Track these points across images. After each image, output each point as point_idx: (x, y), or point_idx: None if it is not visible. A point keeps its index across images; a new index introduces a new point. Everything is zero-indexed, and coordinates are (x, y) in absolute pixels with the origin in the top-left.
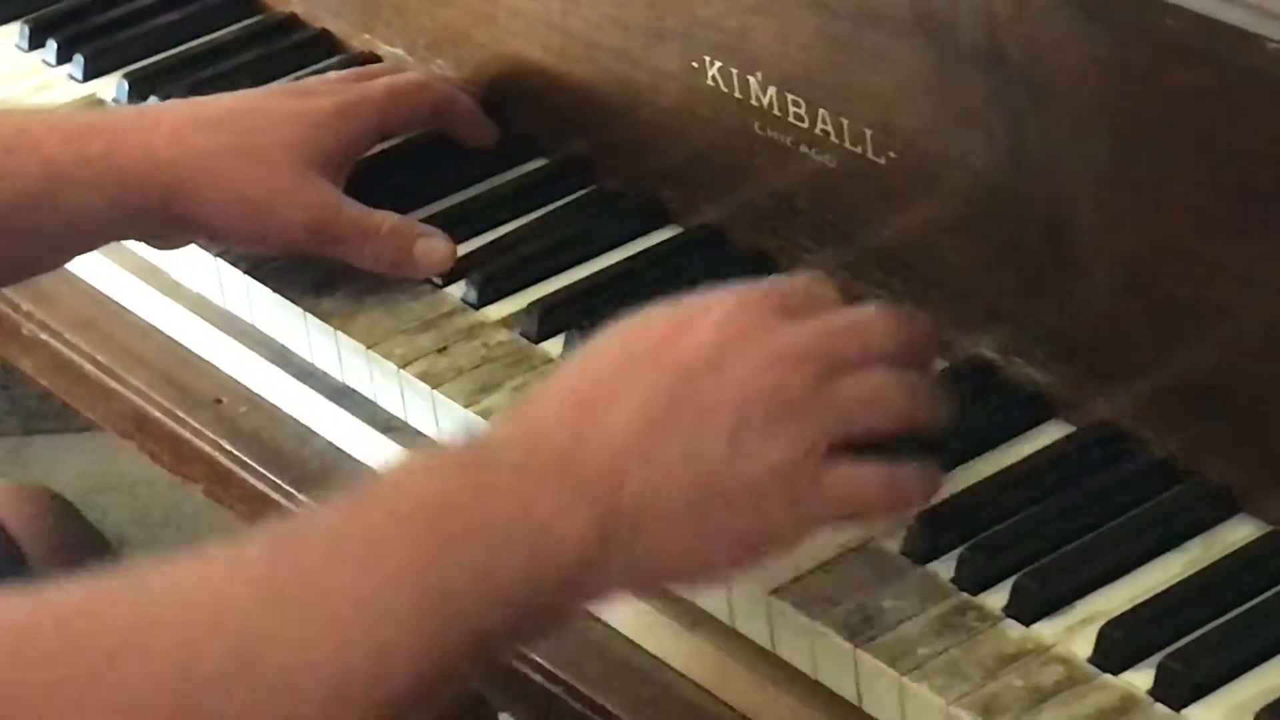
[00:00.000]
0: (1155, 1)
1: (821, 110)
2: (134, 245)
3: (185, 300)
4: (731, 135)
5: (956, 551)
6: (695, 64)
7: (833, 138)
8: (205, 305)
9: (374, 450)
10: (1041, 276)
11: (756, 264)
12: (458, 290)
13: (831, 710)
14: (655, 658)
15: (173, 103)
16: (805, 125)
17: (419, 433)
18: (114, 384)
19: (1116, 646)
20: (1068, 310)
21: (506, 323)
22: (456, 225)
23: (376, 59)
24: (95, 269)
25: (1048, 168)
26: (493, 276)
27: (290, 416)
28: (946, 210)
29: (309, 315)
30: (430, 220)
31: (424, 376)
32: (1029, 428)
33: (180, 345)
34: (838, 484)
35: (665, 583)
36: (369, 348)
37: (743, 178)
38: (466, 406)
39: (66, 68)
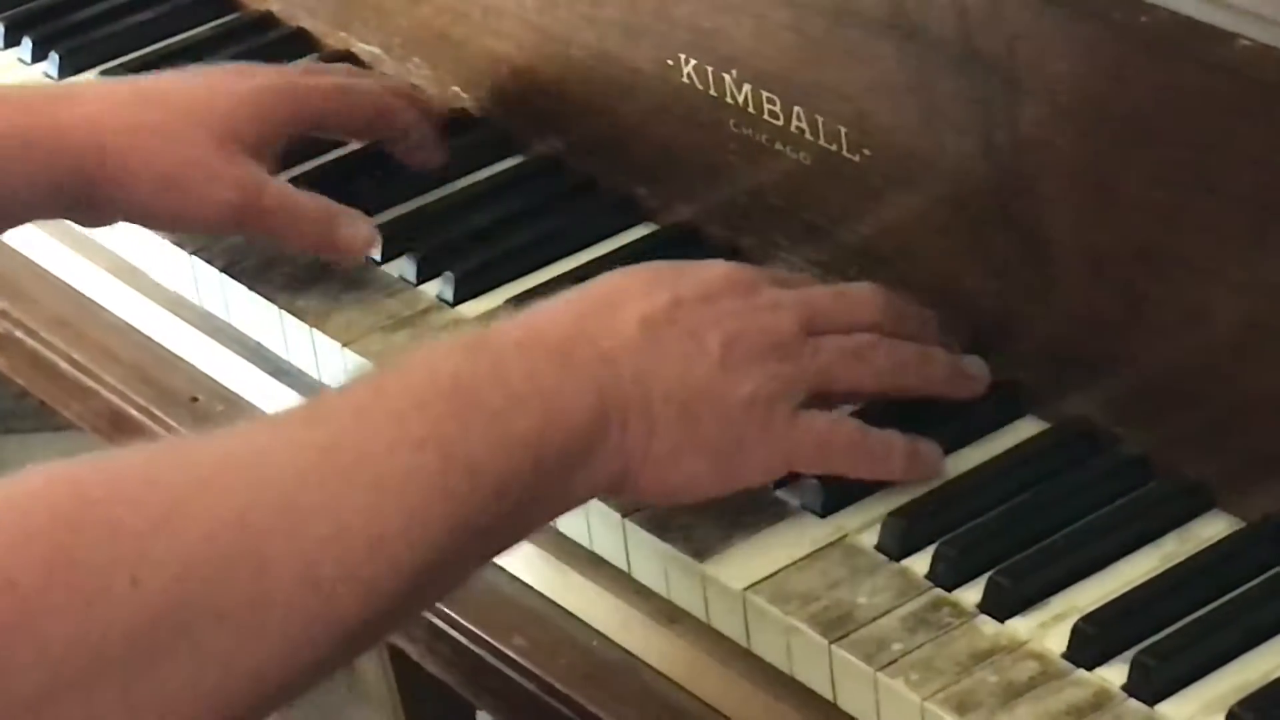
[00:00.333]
0: None
1: (796, 108)
2: (109, 242)
3: (161, 298)
4: (707, 133)
5: (931, 548)
6: (670, 61)
7: (807, 135)
8: (181, 303)
9: None
10: (1015, 273)
11: (730, 260)
12: (433, 288)
13: (806, 706)
14: (631, 654)
15: (98, 80)
16: (780, 123)
17: None
18: (90, 382)
19: (1090, 642)
20: (1042, 306)
21: (482, 320)
22: (432, 222)
23: (352, 57)
24: (71, 267)
25: (1022, 165)
26: (468, 274)
27: (266, 414)
28: (921, 207)
29: (284, 313)
30: (406, 218)
31: None
32: (1003, 424)
33: (156, 343)
34: (813, 429)
35: (652, 485)
36: (345, 345)
37: (718, 175)
38: None
39: (42, 65)
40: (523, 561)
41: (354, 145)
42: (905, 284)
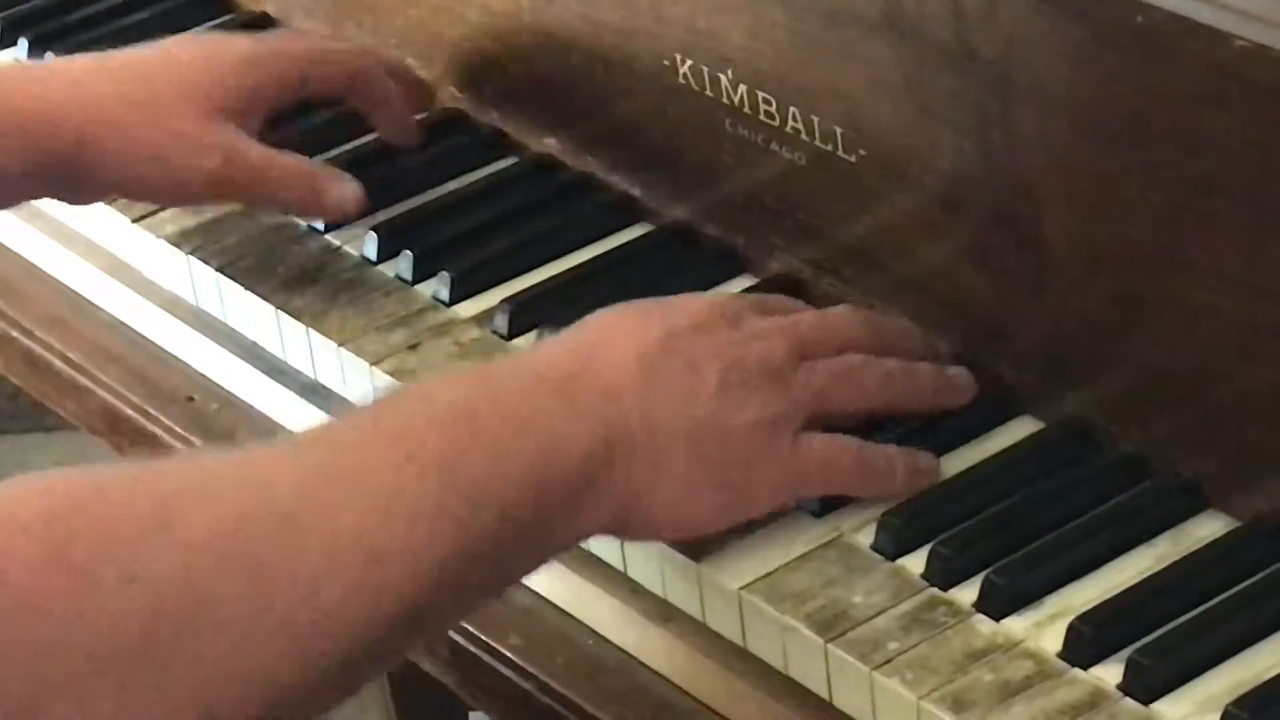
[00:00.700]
0: None
1: (792, 108)
2: (105, 241)
3: (157, 297)
4: (702, 133)
5: (927, 547)
6: (666, 62)
7: (803, 135)
8: (177, 302)
9: None
10: (1010, 273)
11: (727, 261)
12: (429, 287)
13: (802, 705)
14: (626, 653)
15: (76, 56)
16: (776, 123)
17: None
18: (85, 381)
19: (1086, 641)
20: (1037, 306)
21: (478, 320)
22: (429, 222)
23: None
24: (66, 266)
25: (1017, 165)
26: (464, 274)
27: (262, 414)
28: (917, 208)
29: (281, 312)
30: (402, 217)
31: (396, 374)
32: (998, 424)
33: (152, 342)
34: (815, 452)
35: (661, 518)
36: (341, 345)
37: (714, 175)
38: None
39: None
40: None
41: (351, 144)
42: (901, 284)
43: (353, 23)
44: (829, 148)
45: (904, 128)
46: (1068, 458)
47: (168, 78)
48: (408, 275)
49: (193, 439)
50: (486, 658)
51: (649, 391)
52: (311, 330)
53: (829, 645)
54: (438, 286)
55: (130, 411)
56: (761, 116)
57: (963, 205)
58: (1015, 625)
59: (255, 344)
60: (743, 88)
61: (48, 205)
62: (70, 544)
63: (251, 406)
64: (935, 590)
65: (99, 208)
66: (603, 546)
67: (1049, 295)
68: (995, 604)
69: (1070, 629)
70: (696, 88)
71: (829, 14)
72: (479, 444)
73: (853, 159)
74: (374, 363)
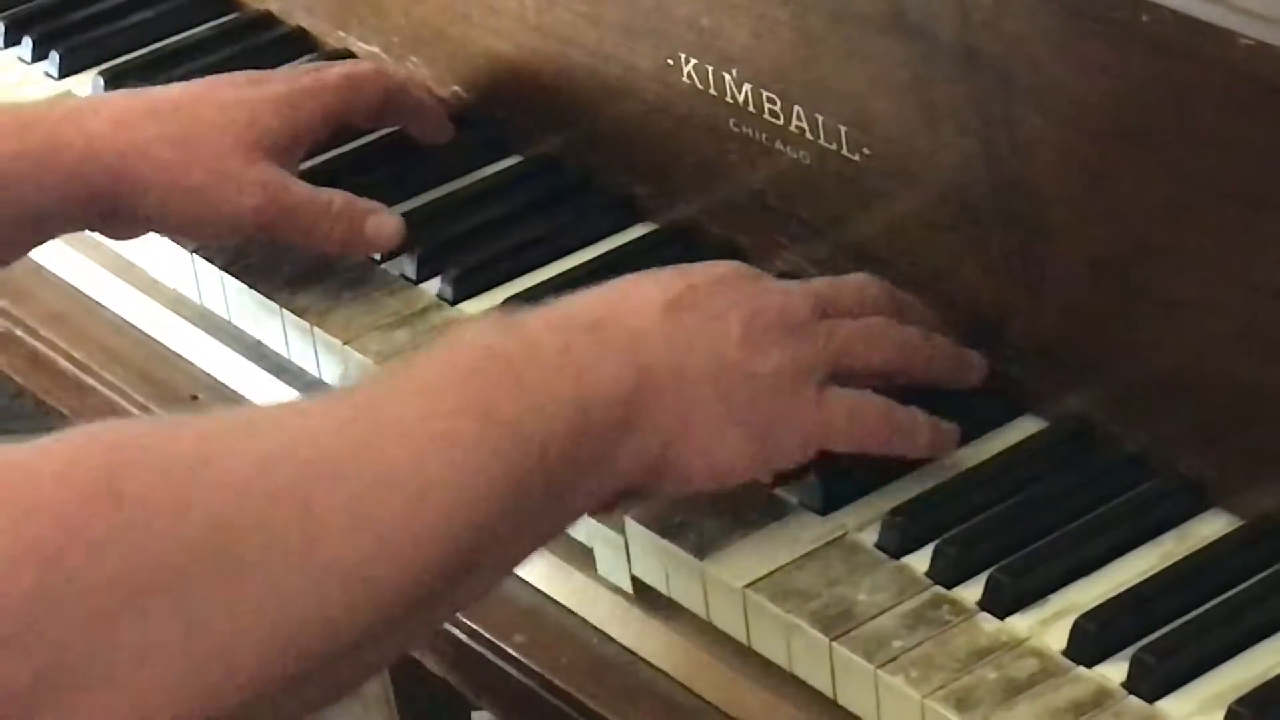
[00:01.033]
0: None
1: (796, 107)
2: (108, 240)
3: (161, 296)
4: (706, 132)
5: (931, 545)
6: (670, 61)
7: (807, 134)
8: (181, 301)
9: None
10: (1015, 272)
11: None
12: (433, 286)
13: (806, 703)
14: (630, 651)
15: (116, 93)
16: (780, 122)
17: None
18: (90, 380)
19: (1090, 639)
20: (1041, 305)
21: (481, 319)
22: (431, 222)
23: (351, 56)
24: (70, 265)
25: (1022, 164)
26: (467, 273)
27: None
28: (920, 207)
29: (285, 311)
30: (406, 217)
31: None
32: (1002, 423)
33: (156, 341)
34: (842, 403)
35: (695, 464)
36: (345, 344)
37: (717, 174)
38: None
39: (42, 65)
40: None
41: (352, 145)
42: (905, 282)
43: (356, 21)
44: (833, 147)
45: (908, 127)
46: (1072, 456)
47: (210, 116)
48: (411, 274)
49: None
50: (490, 655)
51: (675, 338)
52: (316, 329)
53: (833, 643)
54: (441, 285)
55: (135, 410)
56: (765, 115)
57: (966, 204)
58: (1020, 623)
59: (259, 343)
60: (746, 87)
61: None
62: (122, 480)
63: (255, 405)
64: (940, 588)
65: None
66: (607, 545)
67: (1053, 294)
68: (1000, 602)
69: (1075, 627)
70: (700, 86)
71: (833, 13)
72: (516, 386)
73: (856, 158)
74: (378, 362)
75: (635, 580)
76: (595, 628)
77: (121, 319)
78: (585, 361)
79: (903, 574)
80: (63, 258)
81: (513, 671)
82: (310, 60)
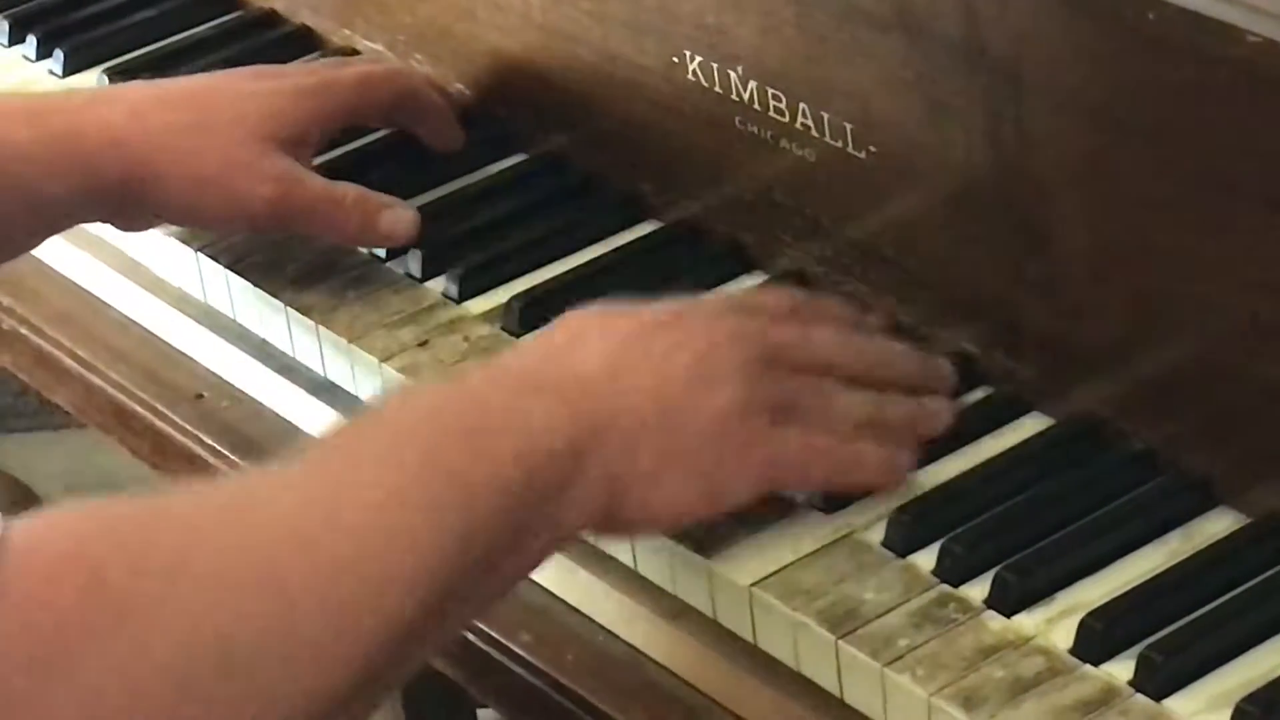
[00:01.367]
0: None
1: (802, 104)
2: (113, 239)
3: (166, 295)
4: (712, 130)
5: (938, 543)
6: (675, 59)
7: (813, 132)
8: (186, 300)
9: None
10: (1021, 269)
11: (736, 258)
12: (439, 284)
13: (813, 702)
14: (636, 650)
15: (132, 83)
16: (786, 120)
17: None
18: (95, 379)
19: (1097, 637)
20: (1047, 303)
21: (487, 317)
22: (437, 220)
23: (356, 54)
24: (75, 263)
25: (1028, 161)
26: (474, 271)
27: (272, 411)
28: (926, 204)
29: (290, 310)
30: None
31: (405, 370)
32: (1009, 420)
33: (161, 340)
34: (791, 441)
35: (640, 509)
36: (350, 342)
37: (723, 172)
38: None
39: (47, 63)
40: None
41: (356, 143)
42: (911, 281)
43: (361, 19)
44: (839, 144)
45: (914, 124)
46: (1078, 454)
47: (227, 108)
48: (417, 272)
49: (202, 436)
50: (496, 654)
51: (619, 382)
52: (321, 327)
53: (840, 642)
54: (447, 283)
55: (139, 409)
56: (771, 113)
57: (973, 201)
58: (1026, 622)
59: (264, 341)
60: (752, 84)
61: None
62: (106, 571)
63: (261, 404)
64: (946, 587)
65: None
66: (613, 544)
67: (1059, 291)
68: (1006, 600)
69: (1081, 625)
70: (706, 84)
71: (839, 10)
72: (465, 449)
73: (863, 155)
74: (383, 360)
75: (641, 579)
76: (601, 626)
77: (126, 317)
78: (530, 419)
79: (909, 572)
80: (68, 256)
81: (519, 670)
82: (313, 59)
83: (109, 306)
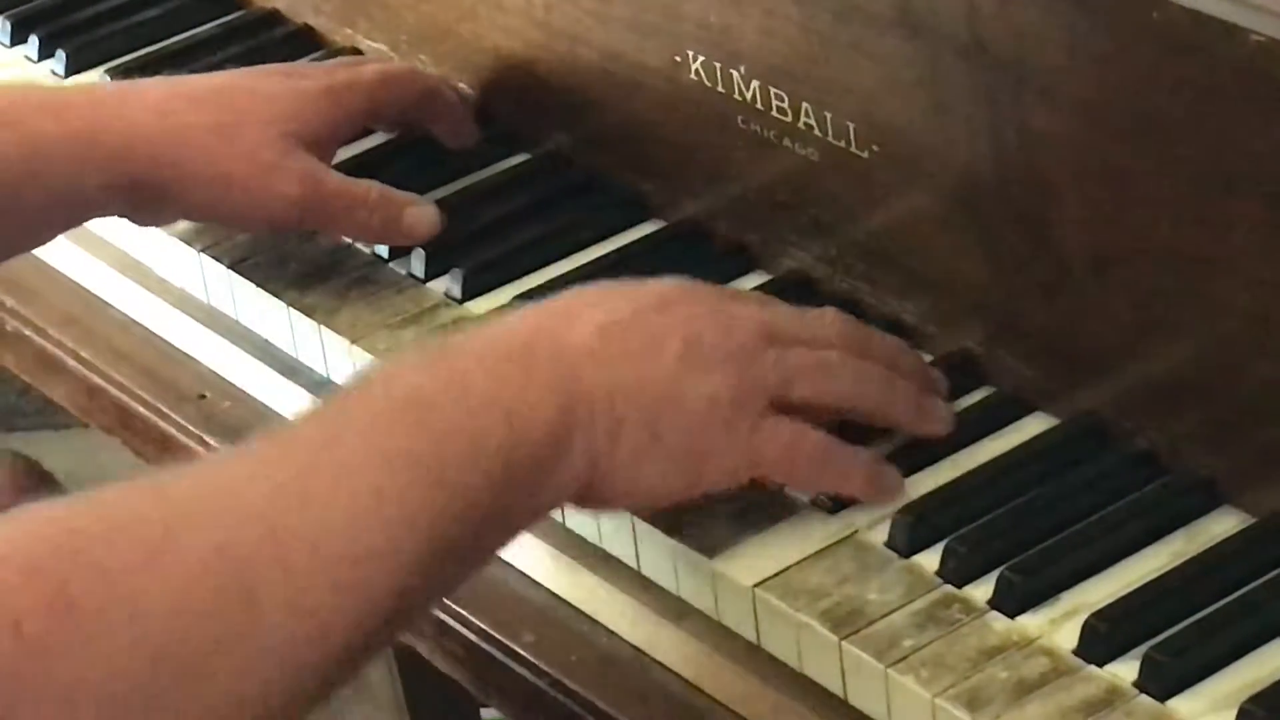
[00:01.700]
0: None
1: (805, 104)
2: (116, 239)
3: (168, 295)
4: (715, 129)
5: (941, 544)
6: (678, 58)
7: (816, 131)
8: (188, 300)
9: None
10: (1025, 269)
11: (739, 258)
12: (441, 285)
13: (817, 703)
14: (640, 650)
15: (158, 79)
16: (789, 119)
17: None
18: (97, 380)
19: (1101, 638)
20: (1051, 303)
21: (490, 317)
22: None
23: (358, 54)
24: (78, 264)
25: (1031, 160)
26: (476, 271)
27: (274, 411)
28: (929, 203)
29: (292, 310)
30: None
31: None
32: (1013, 420)
33: (163, 340)
34: (778, 435)
35: (619, 489)
36: (353, 342)
37: (726, 172)
38: None
39: (49, 63)
40: (532, 558)
41: (361, 143)
42: (914, 280)
43: (364, 19)
44: (841, 144)
45: (917, 123)
46: (1082, 454)
47: (251, 106)
48: (419, 272)
49: (205, 437)
50: (499, 655)
51: (608, 362)
52: (323, 328)
53: (843, 643)
54: (449, 284)
55: (142, 409)
56: (774, 112)
57: (976, 201)
58: (1030, 622)
59: (267, 342)
60: (755, 84)
61: None
62: (75, 588)
63: (263, 404)
64: (950, 587)
65: None
66: (617, 545)
67: (1063, 291)
68: (1010, 601)
69: (1085, 626)
70: (708, 84)
71: (842, 9)
72: (444, 429)
73: (865, 155)
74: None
75: (645, 579)
76: (605, 627)
77: (129, 318)
78: (514, 399)
79: (913, 573)
80: (70, 257)
81: (522, 671)
82: (316, 58)
83: (111, 307)
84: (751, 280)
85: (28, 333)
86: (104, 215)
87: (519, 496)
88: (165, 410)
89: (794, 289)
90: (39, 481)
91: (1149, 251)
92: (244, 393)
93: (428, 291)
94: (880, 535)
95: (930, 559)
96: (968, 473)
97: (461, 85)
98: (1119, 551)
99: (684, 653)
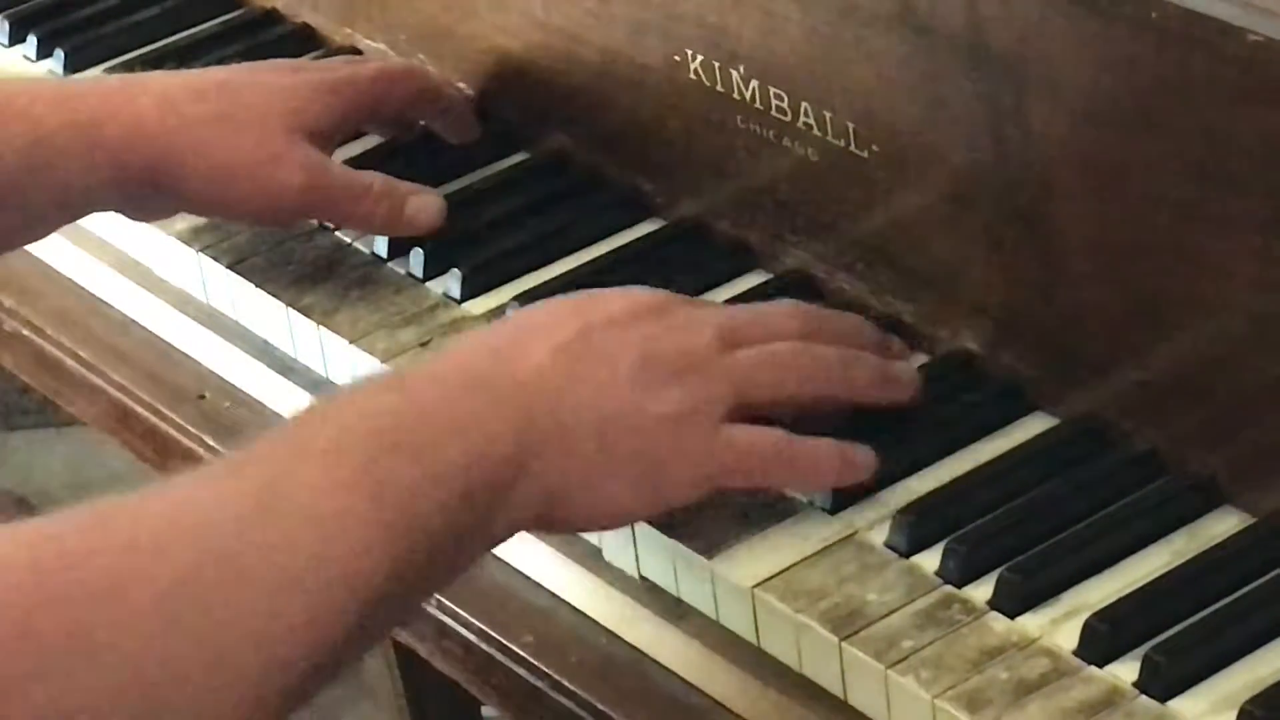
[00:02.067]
0: None
1: (804, 103)
2: (116, 239)
3: (168, 295)
4: (714, 129)
5: (941, 544)
6: (677, 57)
7: (815, 131)
8: (187, 300)
9: None
10: (1024, 268)
11: (738, 257)
12: (441, 285)
13: (816, 703)
14: (639, 651)
15: (161, 73)
16: (788, 118)
17: None
18: (97, 380)
19: (1101, 639)
20: (1051, 302)
21: (489, 317)
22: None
23: (357, 53)
24: (77, 264)
25: (1031, 160)
26: (476, 270)
27: (273, 411)
28: (929, 203)
29: (291, 310)
30: None
31: None
32: (1012, 420)
33: (163, 340)
34: (733, 443)
35: (578, 511)
36: (352, 342)
37: (725, 171)
38: None
39: (47, 63)
40: (531, 559)
41: (360, 142)
42: (913, 280)
43: (362, 18)
44: (841, 143)
45: (917, 123)
46: (1082, 454)
47: (255, 99)
48: (418, 272)
49: (204, 437)
50: (499, 656)
51: (562, 386)
52: (322, 328)
53: (843, 643)
54: (449, 283)
55: (141, 410)
56: (773, 112)
57: (976, 201)
58: (1030, 623)
59: (266, 342)
60: (754, 83)
61: None
62: (39, 618)
63: (262, 404)
64: (950, 588)
65: None
66: (615, 545)
67: (1063, 291)
68: (1010, 601)
69: (1086, 626)
70: (708, 83)
71: (842, 9)
72: (405, 455)
73: (865, 154)
74: (385, 360)
75: (644, 580)
76: (604, 628)
77: (128, 318)
78: (475, 423)
79: (913, 573)
80: (69, 257)
81: (522, 672)
82: (315, 57)
83: (110, 307)
84: (751, 279)
85: (27, 333)
86: (104, 209)
87: (481, 520)
88: (165, 410)
89: (794, 288)
90: (10, 504)
91: (1149, 251)
92: (243, 393)
93: (427, 291)
94: (880, 535)
95: (930, 559)
96: (968, 473)
97: (461, 84)
98: (1119, 551)
99: (684, 653)
